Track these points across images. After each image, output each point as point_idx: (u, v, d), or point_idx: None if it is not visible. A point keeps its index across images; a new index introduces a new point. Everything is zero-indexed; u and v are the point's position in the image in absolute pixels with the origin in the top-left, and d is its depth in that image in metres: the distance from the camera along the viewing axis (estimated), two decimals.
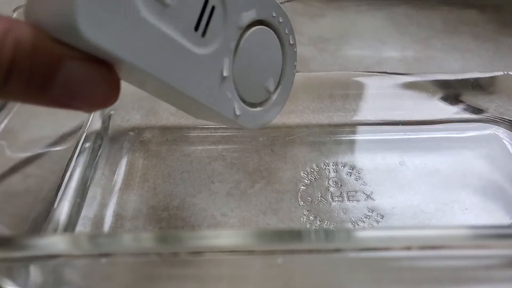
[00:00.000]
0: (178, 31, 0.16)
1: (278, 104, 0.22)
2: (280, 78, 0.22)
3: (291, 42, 0.22)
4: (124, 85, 0.15)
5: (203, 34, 0.17)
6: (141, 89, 0.18)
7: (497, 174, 0.28)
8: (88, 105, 0.15)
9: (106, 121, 0.32)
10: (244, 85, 0.20)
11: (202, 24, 0.16)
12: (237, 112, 0.20)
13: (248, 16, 0.18)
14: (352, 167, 0.29)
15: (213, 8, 0.17)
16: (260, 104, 0.21)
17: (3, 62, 0.13)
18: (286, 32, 0.21)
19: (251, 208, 0.26)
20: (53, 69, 0.13)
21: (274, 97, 0.22)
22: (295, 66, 0.23)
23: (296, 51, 0.22)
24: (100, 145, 0.30)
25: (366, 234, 0.16)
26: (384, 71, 0.35)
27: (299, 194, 0.27)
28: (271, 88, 0.21)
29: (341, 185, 0.28)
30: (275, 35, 0.21)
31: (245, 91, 0.20)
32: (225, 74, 0.18)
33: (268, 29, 0.20)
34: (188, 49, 0.16)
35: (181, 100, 0.19)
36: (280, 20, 0.20)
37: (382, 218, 0.26)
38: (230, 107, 0.19)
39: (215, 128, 0.31)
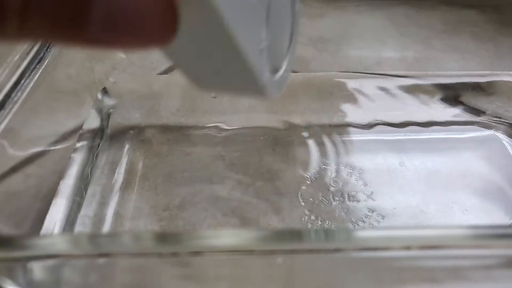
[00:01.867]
0: None
1: (288, 70, 0.19)
2: (290, 39, 0.19)
3: None
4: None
5: None
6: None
7: (497, 175, 0.28)
8: (138, 41, 0.10)
9: (105, 119, 0.32)
10: (271, 46, 0.16)
11: None
12: (267, 76, 0.16)
13: None
14: (353, 168, 0.29)
15: None
16: (277, 69, 0.18)
17: None
18: None
19: (252, 208, 0.26)
20: None
21: (286, 62, 0.18)
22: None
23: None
24: (99, 144, 0.30)
25: (366, 234, 0.16)
26: (384, 72, 0.35)
27: (300, 194, 0.27)
28: (286, 50, 0.18)
29: (342, 186, 0.28)
30: None
31: (272, 52, 0.16)
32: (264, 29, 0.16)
33: None
34: None
35: (212, 52, 0.14)
36: None
37: (383, 219, 0.26)
38: (264, 68, 0.15)
39: (216, 128, 0.31)
